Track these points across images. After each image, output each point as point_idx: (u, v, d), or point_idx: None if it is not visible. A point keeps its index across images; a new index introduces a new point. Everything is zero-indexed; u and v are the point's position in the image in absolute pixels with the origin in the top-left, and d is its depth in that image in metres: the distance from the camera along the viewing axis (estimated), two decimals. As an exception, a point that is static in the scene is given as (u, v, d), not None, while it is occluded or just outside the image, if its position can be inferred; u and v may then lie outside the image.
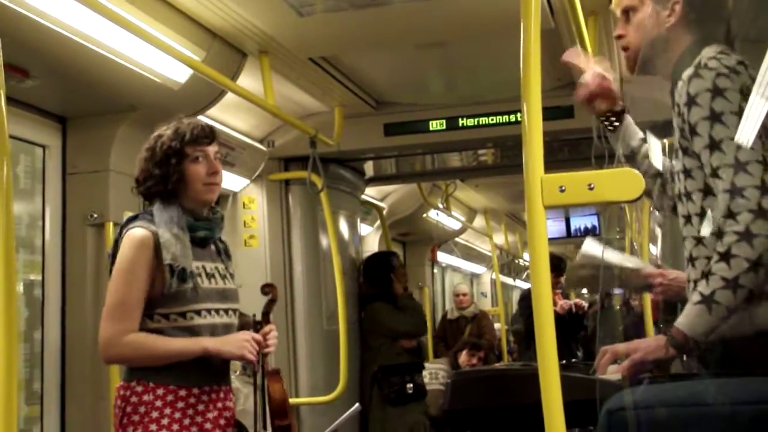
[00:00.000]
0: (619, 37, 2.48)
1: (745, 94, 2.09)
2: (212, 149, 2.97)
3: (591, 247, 2.94)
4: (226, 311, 2.97)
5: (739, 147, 2.06)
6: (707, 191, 2.20)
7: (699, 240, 2.23)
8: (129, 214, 3.18)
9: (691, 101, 2.14)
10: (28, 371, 3.89)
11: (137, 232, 2.83)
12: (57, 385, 3.94)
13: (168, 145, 2.90)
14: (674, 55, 2.35)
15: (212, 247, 3.05)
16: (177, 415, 2.80)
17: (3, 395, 1.61)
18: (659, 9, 2.36)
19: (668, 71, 2.36)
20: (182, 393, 2.82)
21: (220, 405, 2.92)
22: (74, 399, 3.95)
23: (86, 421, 3.92)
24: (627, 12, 2.43)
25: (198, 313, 2.86)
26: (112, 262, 2.88)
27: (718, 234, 2.08)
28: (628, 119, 2.64)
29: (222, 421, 2.91)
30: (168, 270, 2.79)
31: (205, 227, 2.98)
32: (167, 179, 2.89)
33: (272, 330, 3.11)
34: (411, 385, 5.99)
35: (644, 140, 2.64)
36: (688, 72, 2.18)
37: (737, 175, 2.05)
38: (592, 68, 2.65)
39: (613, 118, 2.63)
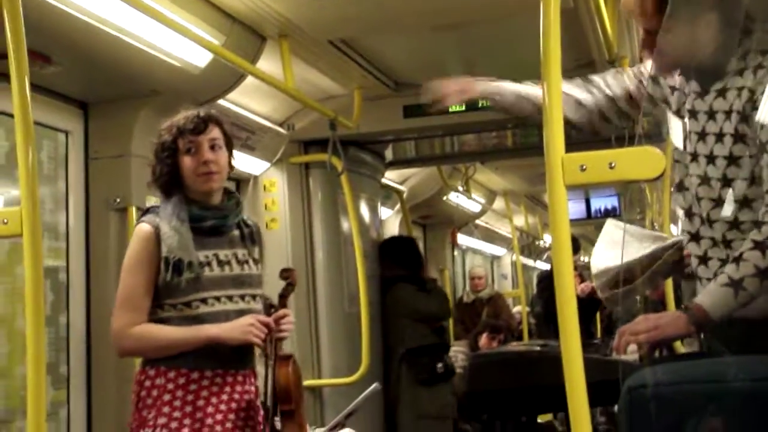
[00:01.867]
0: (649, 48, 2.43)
1: None
2: (206, 138, 2.97)
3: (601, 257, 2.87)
4: (242, 297, 2.99)
5: None
6: (753, 180, 2.20)
7: (735, 225, 2.22)
8: (152, 198, 3.22)
9: None
10: (53, 355, 3.93)
11: (142, 227, 2.94)
12: (83, 369, 3.98)
13: (163, 139, 2.97)
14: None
15: (235, 232, 3.07)
16: (189, 397, 2.85)
17: (32, 380, 1.65)
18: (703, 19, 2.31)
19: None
20: (194, 376, 2.88)
21: (231, 389, 2.94)
22: (100, 382, 3.98)
23: (111, 404, 3.95)
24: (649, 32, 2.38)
25: (204, 301, 2.90)
26: None
27: (757, 223, 2.07)
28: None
29: (234, 405, 2.93)
30: (164, 262, 2.86)
31: (215, 216, 3.00)
32: (161, 173, 2.97)
33: (287, 315, 3.10)
34: (441, 365, 5.98)
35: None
36: None
37: None
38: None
39: None
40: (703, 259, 2.32)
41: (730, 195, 2.24)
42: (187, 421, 2.82)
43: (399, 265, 6.22)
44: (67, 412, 3.94)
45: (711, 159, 2.27)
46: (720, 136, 2.26)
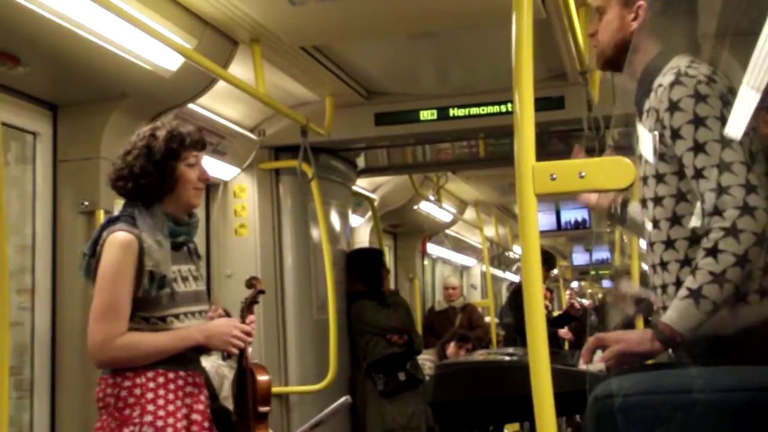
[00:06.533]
0: (592, 35, 2.55)
1: (723, 101, 2.15)
2: (202, 155, 3.07)
3: None
4: (200, 313, 3.04)
5: (723, 149, 2.11)
6: (680, 197, 2.24)
7: (670, 244, 2.26)
8: (120, 202, 3.19)
9: (673, 106, 2.19)
10: (17, 359, 3.88)
11: (121, 235, 2.86)
12: (47, 373, 3.93)
13: (167, 146, 2.94)
14: (641, 60, 2.40)
15: (184, 248, 3.11)
16: (170, 396, 2.87)
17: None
18: (625, 12, 2.42)
19: (636, 75, 2.40)
20: (171, 375, 2.89)
21: (200, 390, 2.99)
22: (64, 387, 3.94)
23: (76, 410, 3.91)
24: (599, 10, 2.50)
25: (177, 317, 2.92)
26: (89, 262, 2.93)
27: (704, 232, 2.10)
28: None
29: (207, 407, 2.98)
30: (148, 276, 2.83)
31: (185, 232, 3.05)
32: (164, 180, 2.94)
33: (254, 321, 3.21)
34: (402, 373, 5.98)
35: None
36: (667, 79, 2.22)
37: (722, 175, 2.09)
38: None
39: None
40: (650, 244, 2.39)
41: (660, 213, 2.30)
42: (170, 420, 2.82)
43: (359, 279, 6.23)
44: (30, 418, 3.88)
45: (646, 179, 2.35)
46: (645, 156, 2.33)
